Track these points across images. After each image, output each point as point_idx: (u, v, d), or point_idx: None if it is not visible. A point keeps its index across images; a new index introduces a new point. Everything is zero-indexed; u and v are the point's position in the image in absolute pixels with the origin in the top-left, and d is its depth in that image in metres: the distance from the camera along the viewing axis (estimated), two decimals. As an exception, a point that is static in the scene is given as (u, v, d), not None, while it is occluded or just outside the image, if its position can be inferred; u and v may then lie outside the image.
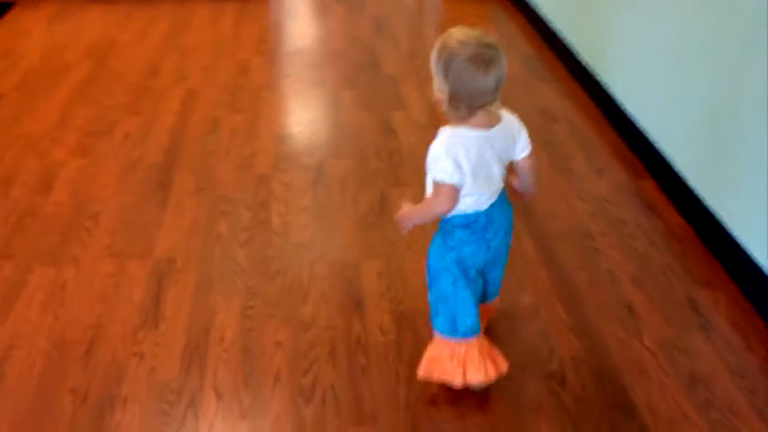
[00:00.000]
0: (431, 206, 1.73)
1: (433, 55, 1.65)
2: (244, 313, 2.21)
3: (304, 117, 3.39)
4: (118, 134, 3.18)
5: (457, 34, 1.63)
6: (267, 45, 4.15)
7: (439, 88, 1.65)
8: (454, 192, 1.68)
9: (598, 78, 3.44)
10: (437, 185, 1.68)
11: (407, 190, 2.74)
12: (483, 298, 1.96)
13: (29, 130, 3.21)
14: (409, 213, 1.81)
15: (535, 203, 2.70)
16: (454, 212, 1.74)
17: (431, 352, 1.88)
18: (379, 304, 2.23)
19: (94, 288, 2.31)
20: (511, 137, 1.75)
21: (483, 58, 1.59)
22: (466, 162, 1.65)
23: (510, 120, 1.75)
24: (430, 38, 4.32)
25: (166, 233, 2.56)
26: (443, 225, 1.80)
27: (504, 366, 1.87)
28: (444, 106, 1.66)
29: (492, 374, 1.84)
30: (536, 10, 4.38)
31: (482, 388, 1.90)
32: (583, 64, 3.63)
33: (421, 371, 1.88)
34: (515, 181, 1.89)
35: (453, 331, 1.83)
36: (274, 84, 3.71)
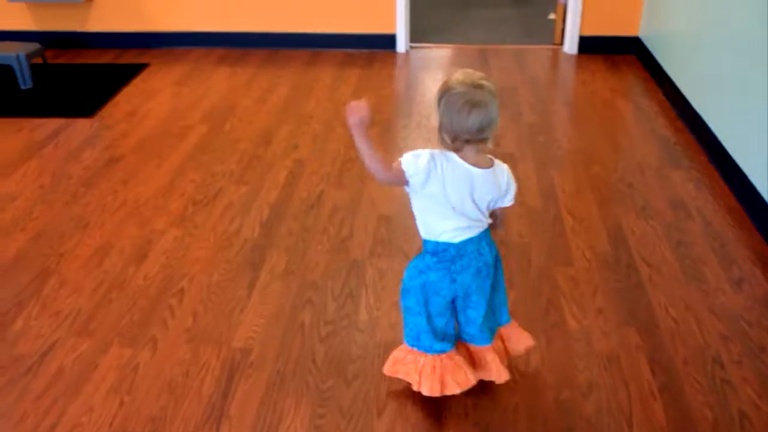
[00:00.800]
0: (378, 164, 1.83)
1: (439, 87, 1.83)
2: (312, 422, 2.01)
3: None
4: (220, 204, 3.12)
5: (460, 73, 1.81)
6: (383, 115, 4.03)
7: (437, 117, 1.82)
8: (399, 177, 1.82)
9: (742, 169, 3.06)
10: (399, 166, 1.81)
11: (512, 293, 2.47)
12: (464, 337, 2.04)
13: (136, 195, 3.22)
14: (363, 139, 1.83)
15: (657, 317, 2.36)
16: (428, 238, 1.90)
17: (398, 354, 2.06)
18: (461, 426, 1.98)
19: (164, 375, 2.19)
20: (498, 187, 1.88)
21: (471, 98, 1.74)
22: (439, 183, 1.80)
23: (501, 171, 1.89)
24: (558, 115, 4.05)
25: (248, 319, 2.42)
26: (423, 248, 1.94)
27: (454, 391, 1.96)
28: (438, 136, 1.84)
29: (437, 392, 1.96)
30: (675, 84, 4.02)
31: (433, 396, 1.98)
32: (725, 151, 3.25)
33: (386, 369, 2.08)
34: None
35: (415, 342, 1.99)
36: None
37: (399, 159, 1.83)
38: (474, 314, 1.98)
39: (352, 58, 4.93)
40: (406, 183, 1.83)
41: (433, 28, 5.60)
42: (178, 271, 2.69)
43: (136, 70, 4.73)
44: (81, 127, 3.92)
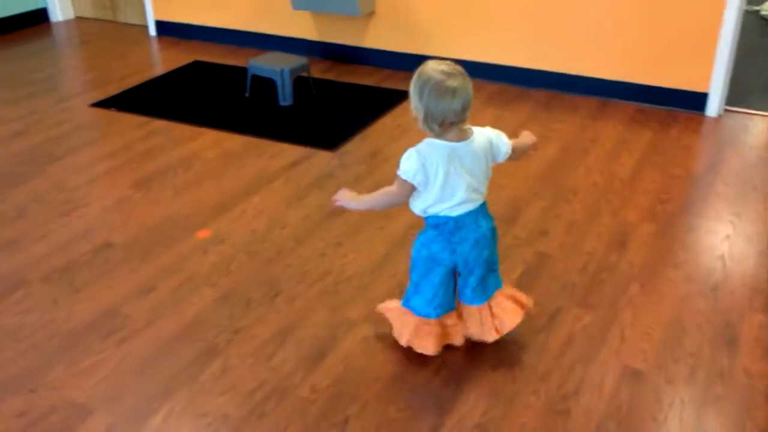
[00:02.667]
0: (387, 195, 2.09)
1: (413, 80, 1.99)
2: None
3: (674, 338, 2.38)
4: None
5: (429, 63, 2.01)
6: (666, 205, 3.17)
7: (416, 108, 1.99)
8: (410, 189, 2.03)
9: None
10: (398, 179, 2.03)
11: None
12: (462, 298, 2.23)
13: (343, 265, 2.78)
14: (357, 197, 2.19)
15: None
16: (429, 213, 2.08)
17: (391, 302, 2.34)
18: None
19: None
20: (488, 148, 2.08)
21: (451, 83, 1.94)
22: (434, 169, 1.99)
23: (481, 134, 2.08)
24: None
25: None
26: (425, 223, 2.12)
27: (428, 352, 2.19)
28: (420, 124, 2.00)
29: (416, 348, 2.20)
30: None
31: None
32: None
33: (380, 307, 2.36)
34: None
35: (405, 302, 2.24)
36: (654, 273, 2.73)
37: (397, 174, 2.03)
38: (471, 280, 2.18)
39: (645, 116, 4.06)
40: (414, 189, 2.03)
41: (760, 88, 4.49)
42: (352, 389, 2.18)
43: (397, 98, 4.32)
44: (319, 161, 3.59)
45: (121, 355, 2.36)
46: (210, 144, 3.82)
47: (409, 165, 1.99)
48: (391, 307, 2.32)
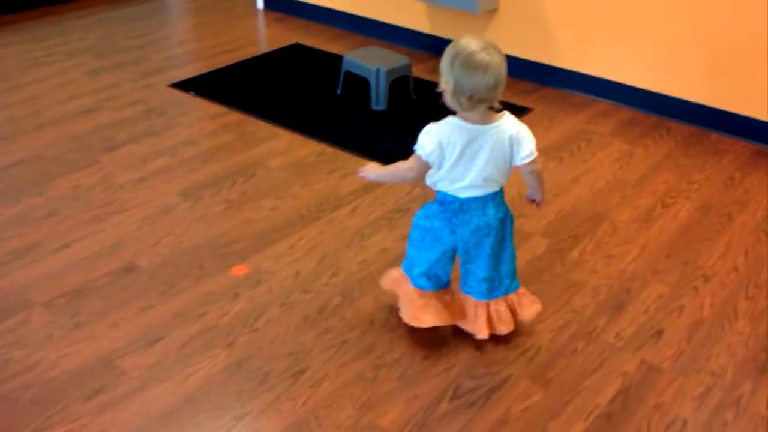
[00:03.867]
0: (400, 169, 2.03)
1: (445, 52, 1.86)
2: None
3: None
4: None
5: (466, 37, 1.85)
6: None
7: (445, 81, 1.85)
8: (424, 167, 1.96)
9: None
10: (414, 155, 1.96)
11: None
12: (464, 288, 2.18)
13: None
14: (378, 169, 2.15)
15: None
16: (438, 188, 2.02)
17: (393, 272, 2.29)
18: None
19: None
20: (507, 140, 1.93)
21: (484, 57, 1.80)
22: (450, 148, 1.90)
23: (510, 124, 1.94)
24: None
25: None
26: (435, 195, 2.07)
27: (427, 324, 2.14)
28: (448, 98, 1.87)
29: (412, 323, 2.15)
30: None
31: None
32: None
33: (384, 284, 2.32)
34: (528, 190, 2.16)
35: (408, 270, 2.20)
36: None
37: (413, 150, 1.94)
38: (474, 268, 2.10)
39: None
40: (429, 166, 1.95)
41: None
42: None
43: (516, 114, 3.68)
44: (398, 189, 3.03)
45: (99, 427, 1.93)
46: (281, 149, 3.34)
47: (426, 141, 1.92)
48: (396, 276, 2.27)
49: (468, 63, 1.80)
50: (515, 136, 1.94)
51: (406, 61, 3.77)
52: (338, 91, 3.90)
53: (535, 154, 1.98)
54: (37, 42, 4.58)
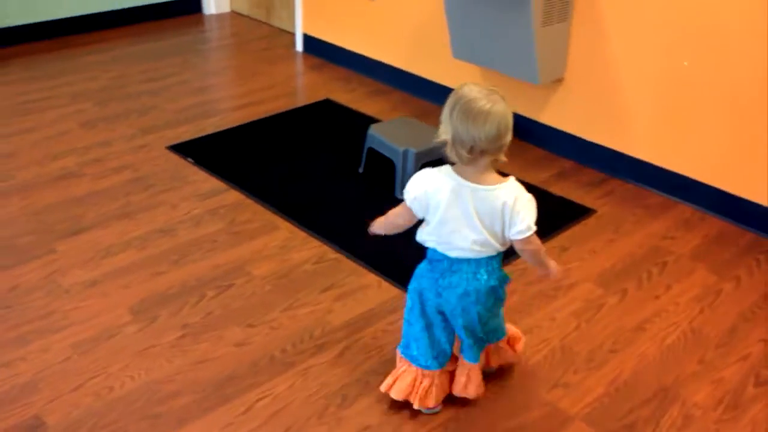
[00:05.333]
0: (389, 215, 1.93)
1: (446, 101, 1.73)
2: None
3: None
4: None
5: (468, 84, 1.73)
6: None
7: (444, 130, 1.72)
8: (408, 214, 1.84)
9: None
10: (403, 202, 1.84)
11: None
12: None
13: None
14: (378, 220, 1.97)
15: None
16: (428, 245, 1.85)
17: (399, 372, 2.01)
18: None
19: None
20: (501, 207, 1.74)
21: (485, 104, 1.67)
22: (435, 201, 1.76)
23: (508, 190, 1.75)
24: None
25: None
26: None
27: (423, 408, 1.98)
28: (448, 149, 1.73)
29: (401, 397, 1.97)
30: None
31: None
32: None
33: (384, 387, 2.01)
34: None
35: (404, 351, 1.99)
36: None
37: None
38: (461, 334, 1.93)
39: None
40: (415, 215, 1.83)
41: None
42: None
43: (576, 213, 2.96)
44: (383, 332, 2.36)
45: None
46: (274, 249, 2.71)
47: (412, 187, 1.82)
48: (398, 376, 2.01)
49: (467, 111, 1.68)
50: (511, 205, 1.74)
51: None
52: (360, 170, 3.26)
53: (532, 230, 1.77)
54: (42, 81, 4.11)
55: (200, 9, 5.33)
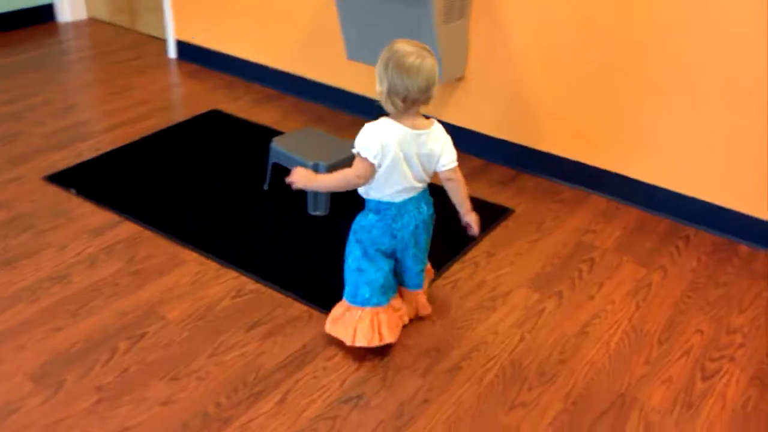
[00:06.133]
0: (347, 175, 2.01)
1: (380, 57, 1.93)
2: None
3: None
4: None
5: (401, 41, 1.93)
6: None
7: (379, 83, 1.93)
8: (371, 169, 1.96)
9: None
10: (358, 159, 1.97)
11: None
12: (402, 282, 2.23)
13: None
14: (318, 178, 2.15)
15: None
16: (371, 197, 2.05)
17: (336, 311, 2.18)
18: None
19: None
20: (437, 146, 2.00)
21: (417, 58, 1.89)
22: (387, 149, 1.94)
23: (438, 131, 2.01)
24: None
25: None
26: (365, 207, 2.10)
27: (390, 339, 2.11)
28: (382, 99, 1.95)
29: (375, 342, 2.09)
30: None
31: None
32: None
33: (327, 328, 2.18)
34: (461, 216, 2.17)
35: (353, 297, 2.12)
36: None
37: (356, 154, 1.96)
38: (410, 264, 2.17)
39: None
40: (376, 169, 1.96)
41: None
42: None
43: (496, 215, 2.87)
44: (345, 359, 2.18)
45: None
46: (185, 287, 2.46)
47: (369, 143, 1.94)
48: (336, 316, 2.17)
49: (401, 65, 1.88)
50: (442, 142, 2.02)
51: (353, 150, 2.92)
52: (265, 186, 3.04)
53: (456, 162, 2.05)
54: None
55: (53, 17, 4.86)
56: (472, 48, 3.19)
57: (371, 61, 3.29)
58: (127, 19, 4.75)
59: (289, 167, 2.87)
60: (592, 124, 3.02)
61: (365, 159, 1.95)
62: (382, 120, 1.98)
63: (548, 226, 2.89)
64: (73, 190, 2.97)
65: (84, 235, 2.70)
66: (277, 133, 3.44)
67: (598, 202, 3.07)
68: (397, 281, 2.22)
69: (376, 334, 2.09)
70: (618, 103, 2.91)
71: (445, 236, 2.46)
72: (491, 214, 2.92)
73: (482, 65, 3.20)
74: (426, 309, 2.30)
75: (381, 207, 2.06)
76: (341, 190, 2.08)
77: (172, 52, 4.34)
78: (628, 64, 2.83)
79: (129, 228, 2.75)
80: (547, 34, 2.98)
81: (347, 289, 2.15)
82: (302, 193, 2.89)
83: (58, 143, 3.34)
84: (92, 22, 4.91)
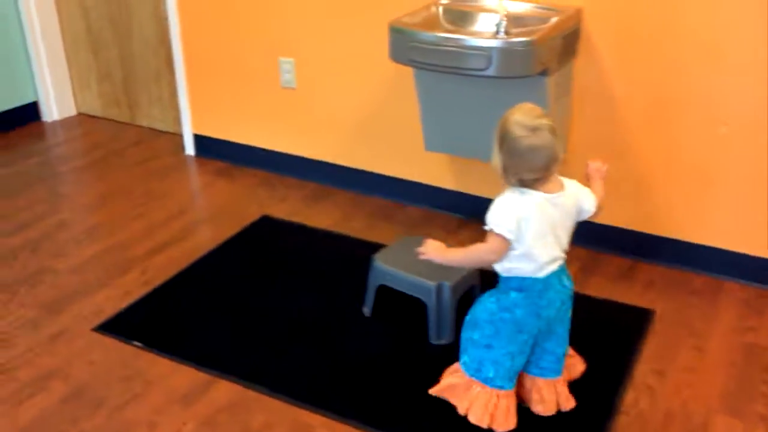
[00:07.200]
0: (479, 252, 1.87)
1: (497, 127, 1.80)
2: None
3: None
4: None
5: (517, 112, 1.79)
6: None
7: (495, 157, 1.81)
8: (505, 246, 1.82)
9: None
10: (491, 235, 1.82)
11: None
12: (534, 371, 2.02)
13: None
14: (450, 252, 1.95)
15: None
16: (512, 274, 1.88)
17: (452, 379, 2.04)
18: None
19: None
20: (576, 204, 1.89)
21: (532, 142, 1.73)
22: (527, 223, 1.79)
23: (572, 186, 1.89)
24: None
25: None
26: (500, 285, 1.93)
27: (499, 429, 1.94)
28: (499, 174, 1.82)
29: (485, 424, 1.94)
30: None
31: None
32: None
33: (435, 390, 2.07)
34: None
35: (476, 372, 1.96)
36: None
37: (488, 230, 1.83)
38: (552, 346, 1.99)
39: None
40: (510, 246, 1.82)
41: None
42: None
43: (636, 319, 2.50)
44: None
45: None
46: (326, 467, 1.97)
47: (503, 218, 1.80)
48: (453, 383, 2.03)
49: (515, 150, 1.76)
50: (581, 197, 1.91)
51: (476, 271, 2.49)
52: (367, 312, 2.58)
53: (596, 203, 1.94)
54: None
55: (38, 116, 4.31)
56: (574, 127, 2.84)
57: (454, 152, 2.93)
58: (125, 112, 4.23)
59: (401, 289, 2.46)
60: (720, 203, 2.69)
61: (499, 235, 1.81)
62: (515, 192, 1.83)
63: (700, 328, 2.52)
64: (137, 343, 2.44)
65: (174, 406, 2.19)
66: (345, 239, 3.02)
67: (734, 289, 2.72)
68: (529, 370, 2.04)
69: (487, 415, 1.95)
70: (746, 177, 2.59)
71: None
72: (633, 319, 2.54)
73: (585, 142, 2.84)
74: (569, 402, 2.07)
75: (524, 284, 1.89)
76: (471, 266, 2.06)
77: (189, 149, 3.85)
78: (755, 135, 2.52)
79: (225, 389, 2.25)
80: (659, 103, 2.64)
81: (468, 362, 1.99)
82: (417, 317, 2.46)
83: (96, 280, 2.81)
84: (83, 118, 4.37)
